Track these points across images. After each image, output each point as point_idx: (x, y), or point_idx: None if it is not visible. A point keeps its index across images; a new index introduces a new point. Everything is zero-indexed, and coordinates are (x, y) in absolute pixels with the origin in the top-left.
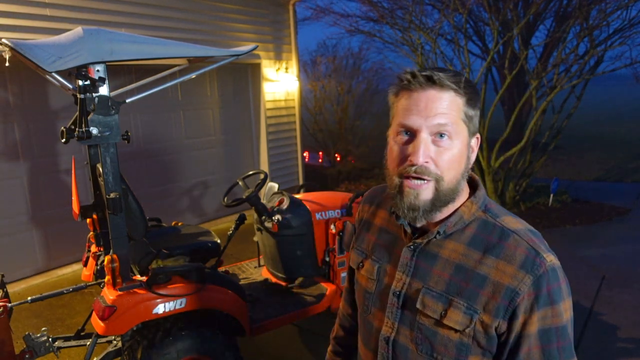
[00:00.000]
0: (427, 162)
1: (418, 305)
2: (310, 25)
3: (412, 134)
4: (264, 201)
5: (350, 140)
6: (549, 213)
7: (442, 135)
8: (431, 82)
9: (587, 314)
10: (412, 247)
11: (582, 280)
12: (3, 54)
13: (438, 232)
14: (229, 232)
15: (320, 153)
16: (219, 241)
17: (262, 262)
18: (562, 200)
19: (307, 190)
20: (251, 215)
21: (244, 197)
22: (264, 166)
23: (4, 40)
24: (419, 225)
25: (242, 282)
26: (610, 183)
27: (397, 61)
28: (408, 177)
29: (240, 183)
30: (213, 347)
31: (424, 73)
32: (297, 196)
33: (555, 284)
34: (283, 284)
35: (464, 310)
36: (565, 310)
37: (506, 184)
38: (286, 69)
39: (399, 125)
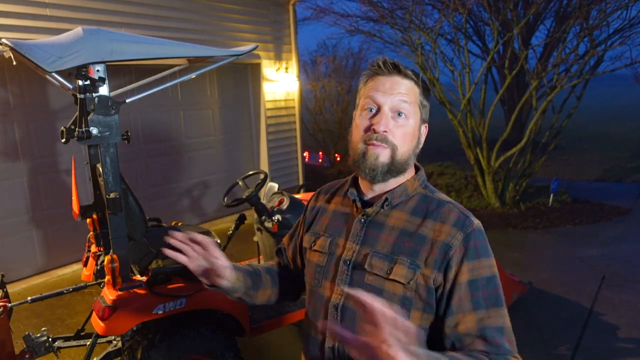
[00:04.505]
0: (386, 131)
1: (366, 267)
2: (310, 25)
3: (376, 110)
4: (264, 201)
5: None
6: (549, 213)
7: (400, 114)
8: (396, 69)
9: (587, 314)
10: (362, 218)
11: (582, 280)
12: (4, 54)
13: (386, 199)
14: (229, 232)
15: (320, 153)
16: (219, 241)
17: (262, 262)
18: (562, 200)
19: (307, 190)
20: (251, 215)
21: (244, 197)
22: (264, 166)
23: (4, 40)
24: (364, 190)
25: None
26: (610, 183)
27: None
28: (371, 144)
29: (240, 183)
30: (213, 347)
31: (391, 61)
32: (297, 196)
33: (480, 241)
34: None
35: (408, 266)
36: (491, 265)
37: (506, 184)
38: (286, 69)
39: (366, 99)
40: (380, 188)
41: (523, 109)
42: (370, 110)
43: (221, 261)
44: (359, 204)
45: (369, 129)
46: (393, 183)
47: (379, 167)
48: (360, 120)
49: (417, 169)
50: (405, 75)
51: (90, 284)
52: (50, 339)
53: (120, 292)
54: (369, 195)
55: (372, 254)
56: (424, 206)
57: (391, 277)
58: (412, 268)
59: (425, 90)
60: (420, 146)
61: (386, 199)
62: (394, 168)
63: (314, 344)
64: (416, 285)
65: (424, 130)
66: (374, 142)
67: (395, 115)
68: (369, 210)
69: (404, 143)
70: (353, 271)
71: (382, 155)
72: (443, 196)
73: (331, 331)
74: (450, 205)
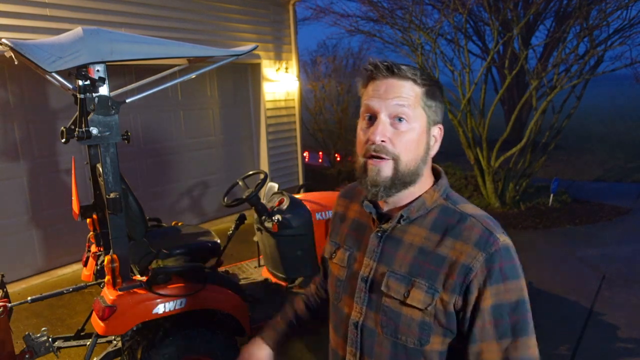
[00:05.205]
0: (383, 141)
1: (382, 288)
2: (310, 25)
3: (373, 118)
4: (264, 201)
5: (350, 140)
6: (549, 213)
7: (400, 119)
8: (390, 72)
9: (587, 314)
10: (379, 233)
11: (582, 280)
12: (5, 54)
13: (401, 216)
14: (229, 232)
15: (320, 153)
16: (219, 241)
17: (262, 262)
18: (562, 200)
19: (307, 190)
20: (251, 215)
21: (244, 197)
22: (264, 166)
23: (4, 40)
24: (380, 202)
25: (242, 282)
26: (610, 183)
27: (398, 61)
28: (370, 157)
29: (240, 183)
30: (213, 347)
31: (384, 63)
32: (297, 196)
33: (507, 261)
34: (283, 284)
35: (425, 290)
36: (519, 288)
37: (506, 184)
38: (286, 69)
39: (363, 107)
40: (394, 200)
41: (523, 109)
42: (370, 119)
43: None
44: (375, 217)
45: (367, 140)
46: (407, 195)
47: (380, 182)
48: (360, 131)
49: (438, 176)
50: (400, 77)
51: (90, 284)
52: (50, 339)
53: (120, 292)
54: (384, 208)
55: (389, 274)
56: (444, 220)
57: (408, 301)
58: (430, 293)
59: (431, 88)
60: (433, 151)
61: (402, 216)
62: (398, 181)
63: (336, 358)
64: (435, 310)
65: (438, 132)
66: (372, 153)
67: (395, 122)
68: (384, 225)
69: (407, 151)
70: (370, 291)
71: (384, 169)
72: (467, 207)
73: None
74: (473, 220)
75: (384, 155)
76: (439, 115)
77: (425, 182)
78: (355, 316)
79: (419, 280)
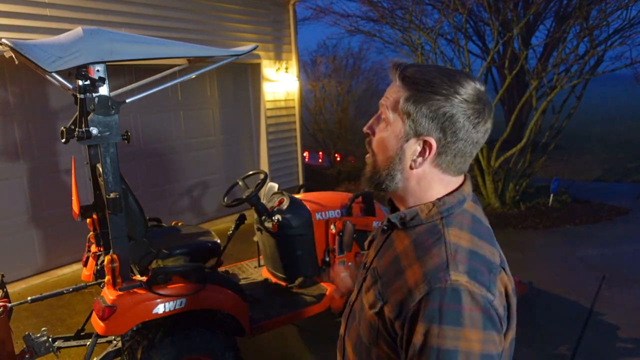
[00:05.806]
0: (367, 131)
1: (361, 279)
2: (310, 25)
3: None
4: (264, 201)
5: (350, 140)
6: (549, 213)
7: (380, 117)
8: (392, 71)
9: (587, 314)
10: (382, 230)
11: (582, 280)
12: (5, 54)
13: (388, 220)
14: (229, 232)
15: (320, 153)
16: (219, 241)
17: (262, 262)
18: (562, 200)
19: (307, 190)
20: (251, 215)
21: (244, 197)
22: (264, 166)
23: (4, 40)
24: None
25: (242, 282)
26: (610, 183)
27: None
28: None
29: (240, 183)
30: (213, 347)
31: (392, 63)
32: (297, 196)
33: (453, 305)
34: (283, 284)
35: (375, 293)
36: (457, 337)
37: (506, 184)
38: (286, 69)
39: None
40: (396, 199)
41: (523, 109)
42: None
43: None
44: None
45: None
46: (400, 199)
47: (364, 173)
48: None
49: (452, 191)
50: (395, 78)
51: (90, 284)
52: (50, 339)
53: (120, 292)
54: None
55: (373, 268)
56: (424, 238)
57: (364, 297)
58: (378, 298)
59: (417, 94)
60: (414, 166)
61: (389, 220)
62: (374, 177)
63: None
64: (379, 318)
65: (428, 146)
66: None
67: (377, 119)
68: (382, 224)
69: (379, 151)
70: (364, 278)
71: (368, 162)
72: (454, 233)
73: None
74: (443, 247)
75: (368, 148)
76: (426, 126)
77: (422, 194)
78: (353, 296)
79: (378, 284)
